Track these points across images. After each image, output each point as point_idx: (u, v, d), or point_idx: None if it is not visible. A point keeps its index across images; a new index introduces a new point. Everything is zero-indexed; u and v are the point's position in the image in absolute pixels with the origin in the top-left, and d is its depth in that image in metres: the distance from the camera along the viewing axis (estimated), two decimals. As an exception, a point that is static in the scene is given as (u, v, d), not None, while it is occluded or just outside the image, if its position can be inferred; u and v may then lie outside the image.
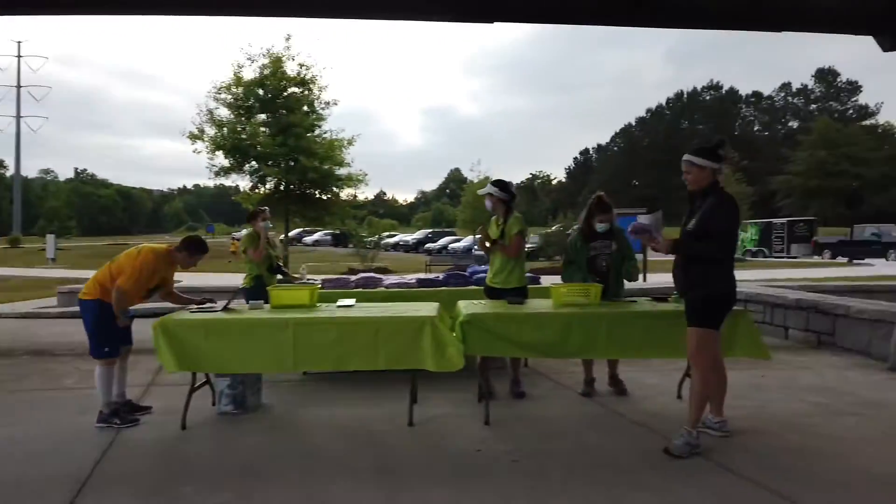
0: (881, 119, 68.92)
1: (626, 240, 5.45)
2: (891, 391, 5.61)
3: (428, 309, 4.83)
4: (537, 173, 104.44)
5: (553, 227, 34.72)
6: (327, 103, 23.68)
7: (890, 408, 5.05)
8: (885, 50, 6.76)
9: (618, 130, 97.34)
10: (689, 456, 3.93)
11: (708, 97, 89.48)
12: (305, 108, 23.46)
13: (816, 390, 5.61)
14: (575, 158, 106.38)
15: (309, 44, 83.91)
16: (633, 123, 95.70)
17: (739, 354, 4.70)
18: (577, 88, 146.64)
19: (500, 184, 5.38)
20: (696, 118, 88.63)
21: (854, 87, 77.16)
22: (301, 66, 23.06)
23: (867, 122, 67.27)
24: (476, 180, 40.10)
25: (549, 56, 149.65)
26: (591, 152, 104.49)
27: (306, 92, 23.44)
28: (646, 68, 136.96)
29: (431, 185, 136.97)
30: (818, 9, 6.70)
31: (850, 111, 74.53)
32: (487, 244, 5.35)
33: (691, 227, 3.94)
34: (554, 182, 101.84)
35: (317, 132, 23.64)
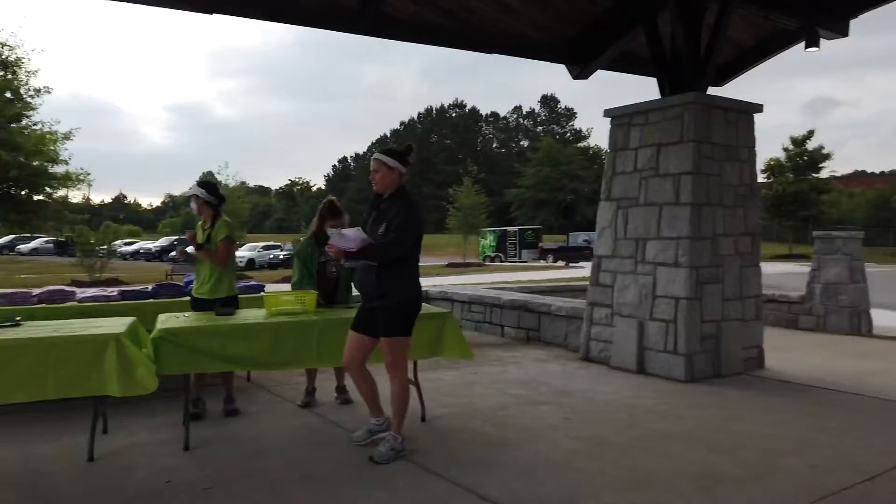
0: (591, 142, 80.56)
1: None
2: (578, 379, 6.35)
3: (115, 325, 4.24)
4: (296, 179, 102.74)
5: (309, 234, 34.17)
6: (38, 90, 20.53)
7: (574, 395, 5.69)
8: (573, 77, 7.72)
9: (374, 140, 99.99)
10: (394, 461, 3.96)
11: (454, 114, 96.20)
12: (8, 94, 20.04)
13: (519, 383, 6.12)
14: (334, 166, 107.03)
15: (13, 21, 72.23)
16: (389, 134, 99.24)
17: (447, 355, 4.91)
18: (338, 97, 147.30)
19: (207, 185, 4.98)
20: (445, 133, 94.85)
21: (571, 114, 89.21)
22: (2, 45, 19.67)
23: (581, 145, 78.11)
24: (231, 184, 37.94)
25: (312, 64, 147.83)
26: (349, 160, 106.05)
27: (9, 76, 20.04)
28: (402, 83, 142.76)
29: (181, 188, 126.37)
30: (518, 36, 7.41)
31: (568, 134, 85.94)
32: (189, 250, 4.91)
33: (380, 233, 3.95)
34: (314, 189, 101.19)
35: (23, 122, 20.33)
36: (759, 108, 6.68)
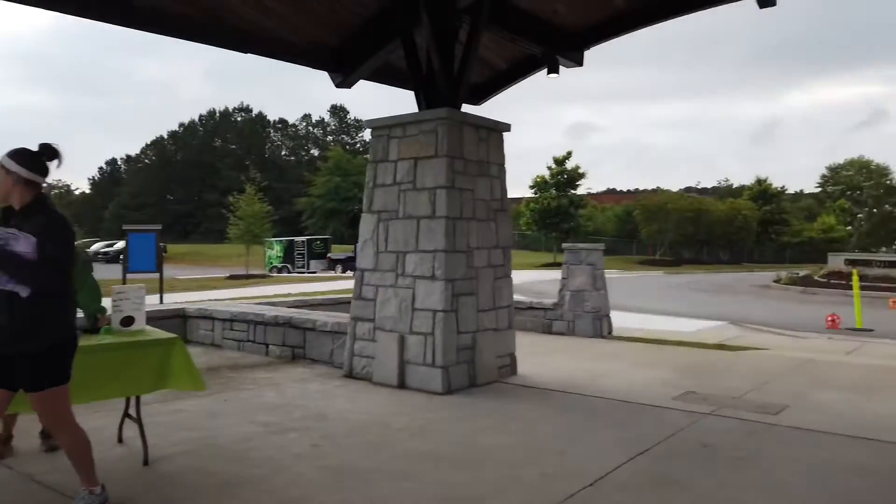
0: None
1: (81, 268, 4.43)
2: (337, 399, 6.08)
3: None
4: (55, 182, 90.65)
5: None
6: None
7: (329, 417, 5.40)
8: (336, 86, 7.51)
9: (149, 142, 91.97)
10: (93, 518, 3.33)
11: (240, 118, 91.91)
12: None
13: (273, 408, 5.68)
14: (101, 168, 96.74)
15: None
16: (166, 136, 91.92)
17: (174, 387, 4.33)
18: (108, 93, 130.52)
19: None
20: (229, 138, 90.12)
21: (359, 125, 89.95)
22: None
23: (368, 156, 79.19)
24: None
25: (76, 55, 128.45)
26: (119, 163, 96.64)
27: None
28: (183, 82, 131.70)
29: None
30: (277, 38, 7.01)
31: (358, 145, 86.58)
32: None
33: None
34: (76, 193, 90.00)
35: None
36: (507, 127, 7.02)
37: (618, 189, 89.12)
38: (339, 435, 4.90)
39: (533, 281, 27.01)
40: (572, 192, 45.93)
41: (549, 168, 46.14)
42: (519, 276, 29.72)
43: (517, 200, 55.80)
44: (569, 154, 45.78)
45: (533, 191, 46.83)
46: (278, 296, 18.22)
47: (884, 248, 29.29)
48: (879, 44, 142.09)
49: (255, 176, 35.74)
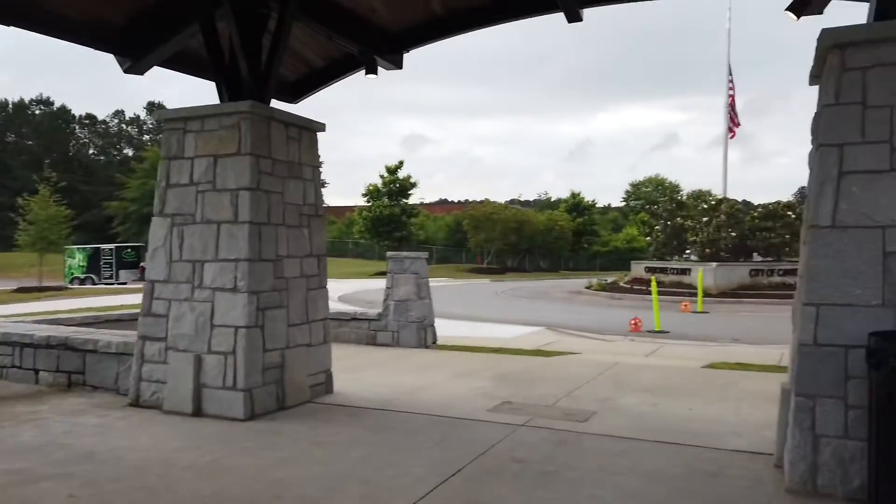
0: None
1: None
2: (115, 433, 5.20)
3: None
4: None
5: None
6: None
7: (98, 458, 4.55)
8: (124, 71, 6.55)
9: (-80, 133, 78.60)
10: None
11: (38, 112, 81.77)
12: None
13: (28, 450, 4.70)
14: None
15: None
16: (-56, 128, 79.19)
17: None
18: None
19: None
20: (25, 133, 79.77)
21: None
22: None
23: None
24: None
25: None
26: None
27: None
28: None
29: None
30: (47, 10, 5.94)
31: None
32: None
33: None
34: None
35: None
36: (321, 126, 6.55)
37: (449, 199, 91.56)
38: (107, 480, 4.11)
39: (365, 290, 26.61)
40: (404, 201, 46.28)
41: (382, 177, 46.14)
42: (350, 286, 29.27)
43: (350, 208, 55.21)
44: (401, 163, 46.13)
45: (366, 199, 46.53)
46: (73, 311, 16.07)
47: (676, 257, 32.69)
48: (673, 77, 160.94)
49: (51, 175, 31.63)
